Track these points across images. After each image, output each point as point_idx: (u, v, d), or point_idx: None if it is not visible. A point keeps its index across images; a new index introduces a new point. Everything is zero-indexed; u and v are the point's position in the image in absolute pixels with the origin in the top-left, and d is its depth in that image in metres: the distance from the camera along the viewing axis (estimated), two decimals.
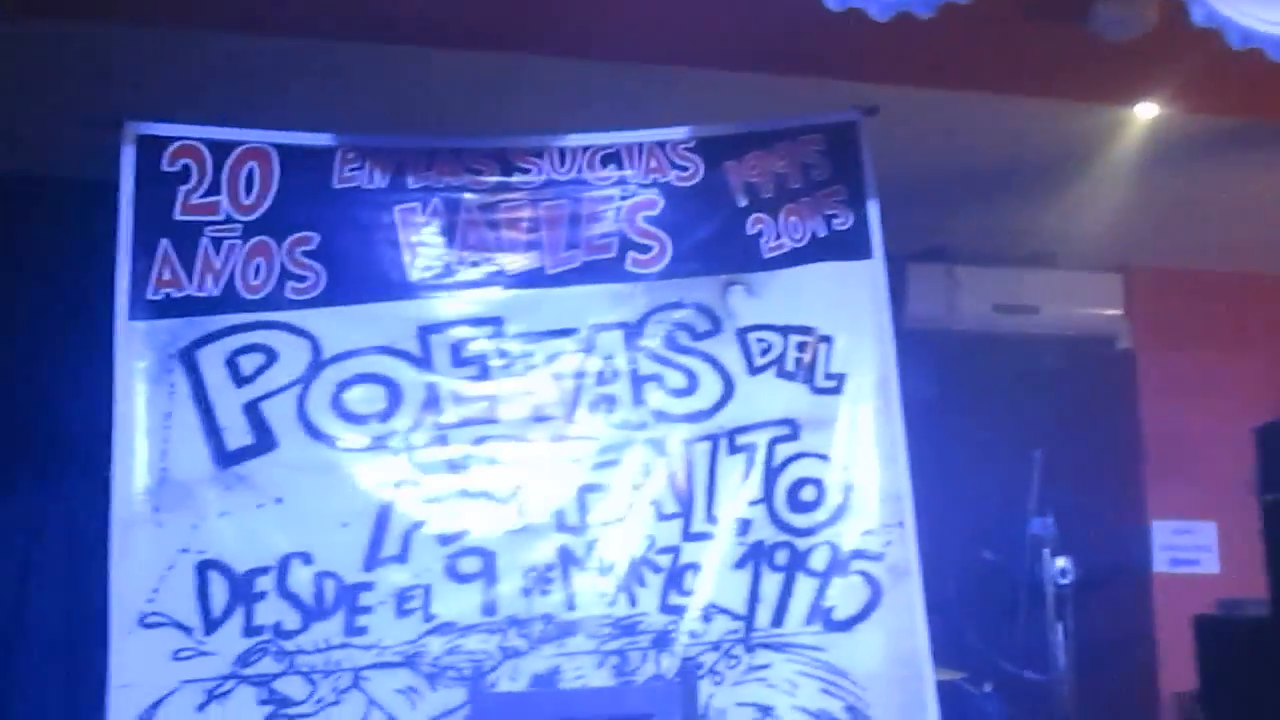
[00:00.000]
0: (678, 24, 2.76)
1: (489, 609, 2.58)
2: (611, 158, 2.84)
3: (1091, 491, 4.40)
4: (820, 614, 2.61)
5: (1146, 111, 3.34)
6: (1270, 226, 4.44)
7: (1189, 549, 4.60)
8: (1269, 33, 2.35)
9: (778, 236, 2.81)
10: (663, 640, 2.58)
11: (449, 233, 2.77)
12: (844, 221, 2.83)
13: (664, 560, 2.62)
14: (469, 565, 2.60)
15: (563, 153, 2.83)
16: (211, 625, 2.50)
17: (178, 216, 2.68)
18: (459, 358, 2.72)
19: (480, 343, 2.73)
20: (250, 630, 2.50)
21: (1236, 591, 3.51)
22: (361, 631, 2.54)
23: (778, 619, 2.61)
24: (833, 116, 2.90)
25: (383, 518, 2.60)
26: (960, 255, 4.68)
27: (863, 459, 2.69)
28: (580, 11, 2.71)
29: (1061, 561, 3.34)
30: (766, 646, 2.60)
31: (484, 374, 2.72)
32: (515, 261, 2.78)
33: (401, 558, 2.58)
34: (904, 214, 4.45)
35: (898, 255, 4.71)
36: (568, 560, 2.62)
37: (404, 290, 2.73)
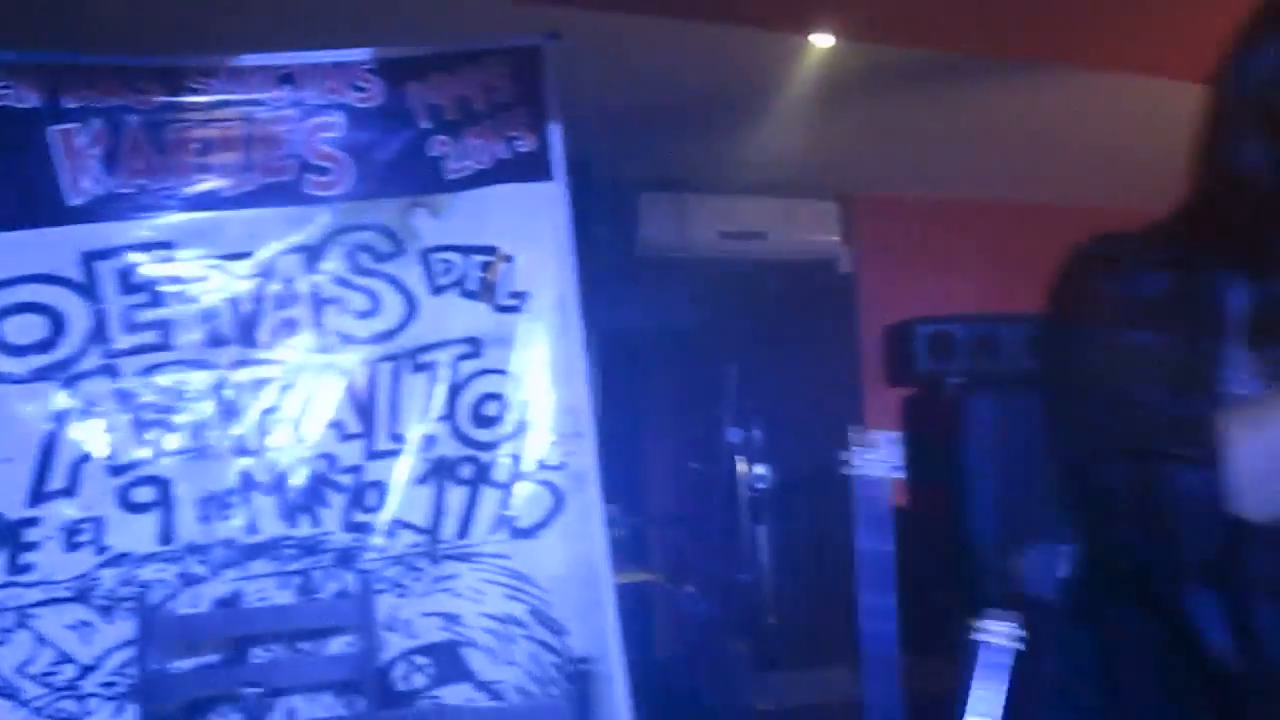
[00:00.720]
0: None
1: (165, 538, 2.54)
2: (288, 78, 2.78)
3: (814, 404, 4.69)
4: (505, 523, 2.70)
5: (824, 41, 3.52)
6: (969, 155, 4.80)
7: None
8: None
9: (461, 158, 2.83)
10: (346, 558, 2.62)
11: (112, 155, 2.65)
12: (526, 145, 2.87)
13: (346, 480, 2.65)
14: (143, 495, 2.55)
15: (236, 72, 2.75)
16: None
17: None
18: (128, 284, 2.63)
19: (150, 268, 2.65)
20: None
21: None
22: (27, 569, 2.46)
23: (463, 530, 2.69)
24: (517, 40, 2.92)
25: (48, 450, 2.52)
26: (692, 184, 4.85)
27: (542, 374, 2.77)
28: None
29: (759, 469, 3.56)
30: (452, 558, 2.67)
31: (156, 301, 2.64)
32: (186, 184, 2.69)
33: (70, 491, 2.51)
34: (636, 144, 4.57)
35: (631, 184, 4.85)
36: (248, 484, 2.61)
37: (64, 215, 2.61)
